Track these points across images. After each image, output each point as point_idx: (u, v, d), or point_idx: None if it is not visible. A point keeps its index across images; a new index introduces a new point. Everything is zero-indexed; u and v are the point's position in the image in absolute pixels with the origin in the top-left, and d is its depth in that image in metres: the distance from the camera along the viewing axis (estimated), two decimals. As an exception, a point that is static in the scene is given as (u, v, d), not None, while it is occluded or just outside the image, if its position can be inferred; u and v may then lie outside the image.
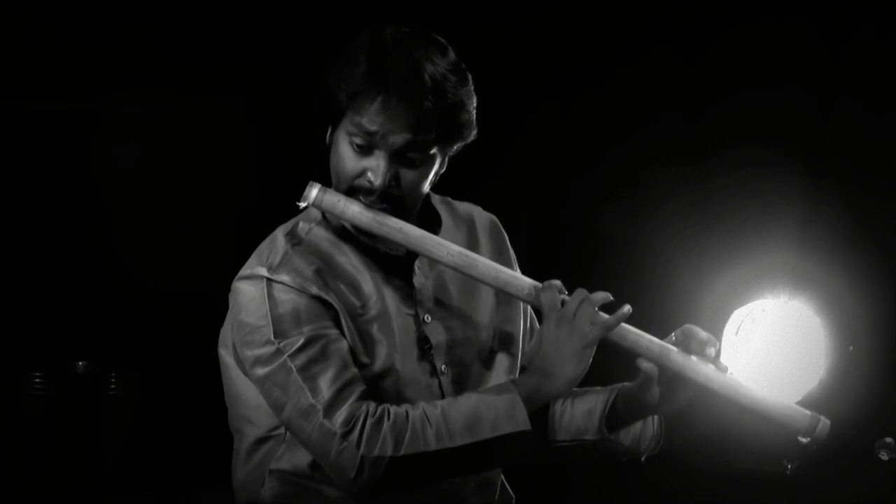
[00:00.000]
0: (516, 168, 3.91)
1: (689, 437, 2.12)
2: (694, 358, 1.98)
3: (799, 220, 3.52)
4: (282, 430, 2.03)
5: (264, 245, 2.05)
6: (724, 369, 1.99)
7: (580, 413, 2.13)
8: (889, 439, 2.92)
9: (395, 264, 2.07)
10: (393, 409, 1.92)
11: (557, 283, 1.99)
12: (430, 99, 1.95)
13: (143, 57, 3.94)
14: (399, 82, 1.94)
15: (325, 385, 1.92)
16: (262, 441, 2.06)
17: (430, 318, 2.07)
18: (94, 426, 3.77)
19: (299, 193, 2.03)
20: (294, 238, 2.04)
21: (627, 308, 1.96)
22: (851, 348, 3.23)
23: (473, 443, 1.91)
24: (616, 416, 2.11)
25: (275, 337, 1.95)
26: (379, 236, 2.01)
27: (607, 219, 3.76)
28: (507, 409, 1.92)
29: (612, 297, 1.96)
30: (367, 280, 2.03)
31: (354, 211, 1.99)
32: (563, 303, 1.96)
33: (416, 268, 2.08)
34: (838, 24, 3.62)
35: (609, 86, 3.84)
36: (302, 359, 1.93)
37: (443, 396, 2.04)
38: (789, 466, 3.40)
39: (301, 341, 1.94)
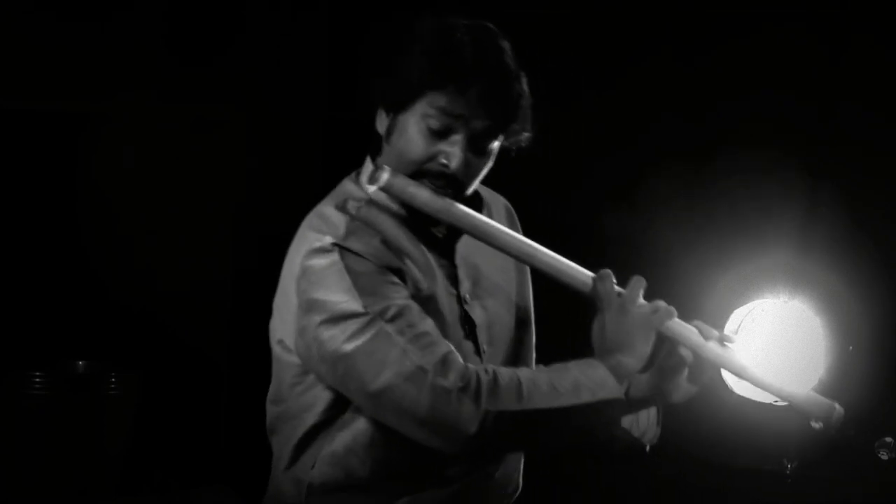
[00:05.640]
0: (516, 168, 3.90)
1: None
2: (727, 348, 2.05)
3: (799, 220, 3.53)
4: (340, 413, 1.98)
5: (312, 223, 1.99)
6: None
7: None
8: (889, 439, 2.92)
9: (439, 244, 2.06)
10: (500, 368, 1.91)
11: (610, 272, 2.01)
12: (515, 89, 1.98)
13: (147, 61, 3.95)
14: (490, 68, 1.95)
15: (429, 347, 1.88)
16: (316, 429, 2.01)
17: (469, 298, 2.06)
18: (94, 426, 3.77)
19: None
20: (346, 213, 1.99)
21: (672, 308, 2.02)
22: (851, 348, 3.23)
23: (578, 405, 1.90)
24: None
25: (364, 307, 1.89)
26: (445, 223, 2.00)
27: (607, 219, 3.76)
28: (600, 378, 1.92)
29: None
30: (420, 258, 2.01)
31: (425, 196, 1.96)
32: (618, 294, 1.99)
33: (457, 247, 2.07)
34: (838, 30, 3.63)
35: (611, 88, 3.84)
36: (400, 324, 1.89)
37: None
38: (789, 466, 3.41)
39: (393, 308, 1.89)
